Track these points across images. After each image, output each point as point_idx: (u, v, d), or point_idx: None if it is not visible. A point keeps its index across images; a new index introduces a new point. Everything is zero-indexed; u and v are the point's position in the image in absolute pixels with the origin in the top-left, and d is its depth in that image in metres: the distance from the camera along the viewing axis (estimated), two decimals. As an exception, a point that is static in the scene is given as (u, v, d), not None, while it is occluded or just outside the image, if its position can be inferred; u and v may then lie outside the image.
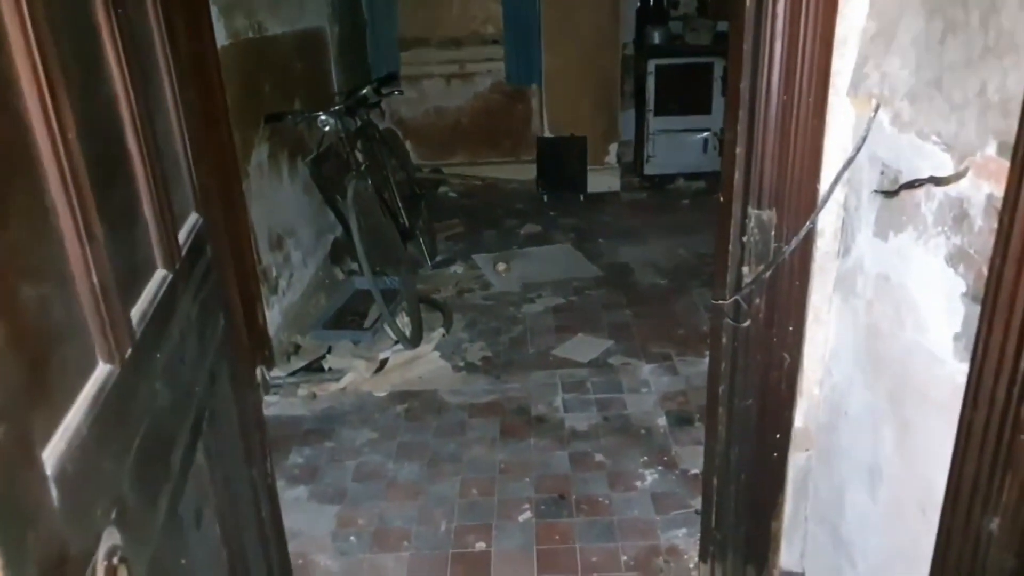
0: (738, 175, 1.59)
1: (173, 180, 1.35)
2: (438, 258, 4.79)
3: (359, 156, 4.07)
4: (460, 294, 4.31)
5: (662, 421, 3.03)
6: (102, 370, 0.92)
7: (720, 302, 1.68)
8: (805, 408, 1.78)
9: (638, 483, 2.70)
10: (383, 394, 3.37)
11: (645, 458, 2.82)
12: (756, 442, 1.80)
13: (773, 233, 1.59)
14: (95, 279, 0.90)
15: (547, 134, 5.92)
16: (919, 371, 1.38)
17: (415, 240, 4.69)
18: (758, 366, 1.70)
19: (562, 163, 5.87)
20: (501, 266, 4.58)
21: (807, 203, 1.57)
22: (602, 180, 5.91)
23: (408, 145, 6.15)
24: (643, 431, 2.98)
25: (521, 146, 6.32)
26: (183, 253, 1.33)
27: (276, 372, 3.54)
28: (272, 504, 1.80)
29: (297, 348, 3.76)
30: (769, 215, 1.58)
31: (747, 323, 1.64)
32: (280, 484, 2.81)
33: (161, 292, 1.17)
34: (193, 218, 1.49)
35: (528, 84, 6.11)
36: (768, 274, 1.62)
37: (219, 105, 3.12)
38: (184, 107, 1.44)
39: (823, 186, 1.57)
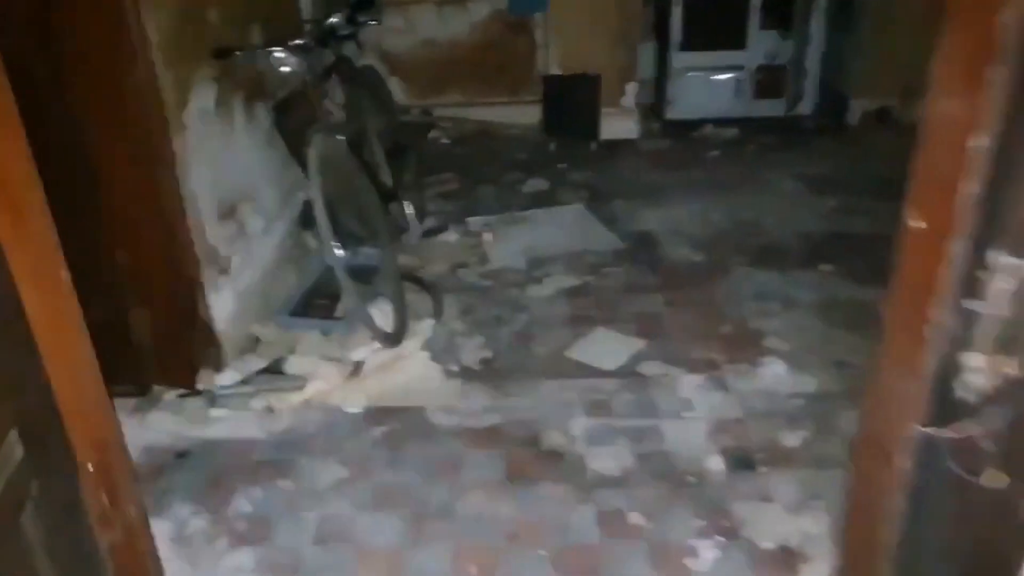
0: (970, 188, 0.87)
1: None
2: (427, 223, 4.03)
3: (327, 102, 3.30)
4: (453, 270, 3.58)
5: (716, 464, 2.33)
6: None
7: (931, 431, 0.94)
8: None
9: (689, 562, 2.02)
10: (357, 410, 2.68)
11: (698, 522, 2.13)
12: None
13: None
14: None
15: (554, 72, 5.22)
16: None
17: (399, 202, 3.93)
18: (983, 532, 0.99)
19: (571, 105, 5.21)
20: (487, 236, 3.87)
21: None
22: (617, 125, 5.19)
23: (394, 83, 5.38)
24: (691, 478, 2.29)
25: (524, 85, 5.56)
26: None
27: (226, 376, 2.84)
28: None
29: (256, 342, 3.06)
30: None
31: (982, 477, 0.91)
32: (221, 543, 2.17)
33: None
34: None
35: (532, 14, 5.34)
36: None
37: (132, 37, 2.36)
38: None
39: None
